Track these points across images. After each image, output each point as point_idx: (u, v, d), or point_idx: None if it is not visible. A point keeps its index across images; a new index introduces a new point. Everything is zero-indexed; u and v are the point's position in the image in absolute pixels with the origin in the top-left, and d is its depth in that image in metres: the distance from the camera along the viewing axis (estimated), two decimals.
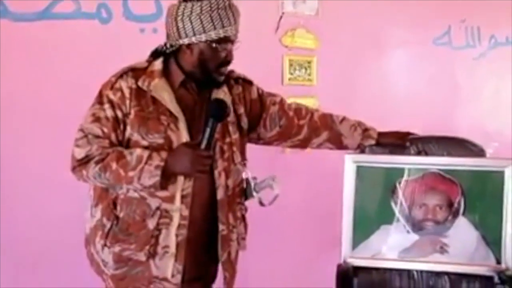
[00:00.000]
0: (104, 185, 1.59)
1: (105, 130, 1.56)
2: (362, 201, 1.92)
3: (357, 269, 1.92)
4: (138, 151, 1.53)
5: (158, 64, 1.60)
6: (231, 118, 1.66)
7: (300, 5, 2.65)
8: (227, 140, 1.64)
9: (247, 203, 1.76)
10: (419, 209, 1.91)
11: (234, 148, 1.66)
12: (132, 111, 1.55)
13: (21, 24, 2.15)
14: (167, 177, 1.53)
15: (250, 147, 1.78)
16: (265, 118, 1.78)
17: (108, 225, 1.58)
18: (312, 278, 2.52)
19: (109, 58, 2.01)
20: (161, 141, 1.55)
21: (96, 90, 1.61)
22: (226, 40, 1.56)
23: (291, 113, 1.81)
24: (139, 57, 1.65)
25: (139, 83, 1.57)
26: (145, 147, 1.54)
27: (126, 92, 1.56)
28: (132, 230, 1.56)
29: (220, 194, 1.62)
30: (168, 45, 1.61)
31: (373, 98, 2.78)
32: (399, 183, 1.91)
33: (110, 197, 1.60)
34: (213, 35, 1.54)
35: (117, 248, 1.58)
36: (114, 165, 1.52)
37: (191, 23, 1.53)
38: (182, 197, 1.56)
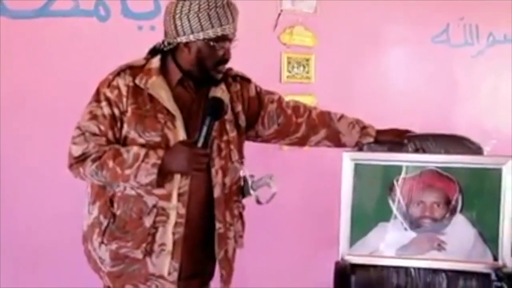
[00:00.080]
0: (101, 183, 1.59)
1: (102, 127, 1.55)
2: (360, 199, 1.93)
3: (355, 267, 1.93)
4: (135, 149, 1.53)
5: (155, 61, 1.60)
6: (228, 116, 1.66)
7: (298, 3, 2.65)
8: (225, 138, 1.64)
9: (244, 201, 1.76)
10: (416, 206, 1.92)
11: (232, 146, 1.66)
12: (129, 109, 1.55)
13: (19, 21, 2.15)
14: (163, 175, 1.53)
15: (248, 145, 1.78)
16: (263, 116, 1.78)
17: (105, 223, 1.58)
18: (310, 275, 2.53)
19: (107, 55, 2.00)
20: (158, 139, 1.55)
21: (94, 87, 1.61)
22: (224, 39, 1.55)
23: (289, 111, 1.81)
24: (137, 54, 1.64)
25: (136, 81, 1.57)
26: (142, 145, 1.54)
27: (123, 90, 1.56)
28: (129, 227, 1.57)
29: (217, 192, 1.61)
30: (166, 43, 1.60)
31: (371, 95, 2.79)
32: (397, 180, 1.92)
33: (108, 195, 1.60)
34: (211, 33, 1.53)
35: (114, 246, 1.58)
36: (110, 163, 1.52)
37: (189, 21, 1.53)
38: (179, 195, 1.56)
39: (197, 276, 1.70)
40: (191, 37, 1.54)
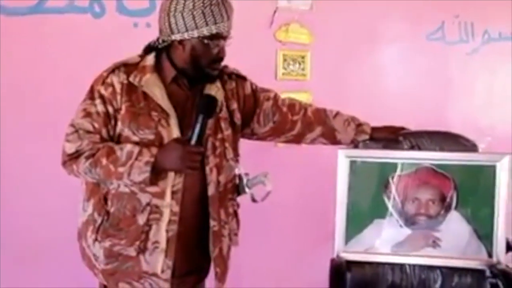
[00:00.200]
0: (94, 180, 1.59)
1: (96, 125, 1.55)
2: (355, 196, 1.93)
3: (350, 263, 1.93)
4: (128, 146, 1.52)
5: (150, 59, 1.59)
6: (223, 114, 1.65)
7: (294, 0, 2.65)
8: (219, 136, 1.64)
9: (239, 199, 1.76)
10: (411, 203, 1.93)
11: (227, 144, 1.65)
12: (123, 107, 1.55)
13: (14, 18, 2.14)
14: (157, 173, 1.52)
15: (243, 142, 1.78)
16: (258, 114, 1.78)
17: (99, 220, 1.58)
18: (306, 273, 2.53)
19: (102, 52, 1.99)
20: (151, 137, 1.54)
21: (89, 84, 1.60)
22: (219, 37, 1.55)
23: (284, 109, 1.81)
24: (133, 51, 1.64)
25: (131, 79, 1.56)
26: (136, 143, 1.53)
27: (118, 87, 1.55)
28: (123, 225, 1.56)
29: (211, 190, 1.61)
30: (160, 41, 1.60)
31: (367, 93, 2.79)
32: (392, 177, 1.93)
33: (102, 192, 1.60)
34: (205, 31, 1.52)
35: (107, 243, 1.58)
36: (104, 161, 1.52)
37: (183, 19, 1.52)
38: (173, 193, 1.56)
39: (192, 274, 1.69)
40: (186, 35, 1.54)
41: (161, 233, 1.56)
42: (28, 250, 2.19)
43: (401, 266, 1.95)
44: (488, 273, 1.89)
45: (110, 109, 1.55)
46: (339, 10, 2.69)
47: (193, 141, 1.51)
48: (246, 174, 1.72)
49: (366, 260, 1.95)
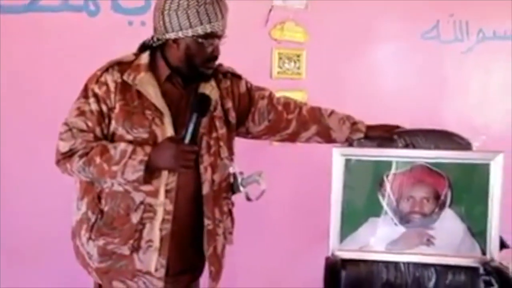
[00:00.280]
0: (88, 179, 1.59)
1: (90, 124, 1.55)
2: (350, 194, 1.94)
3: (345, 262, 1.94)
4: (122, 145, 1.52)
5: (144, 57, 1.59)
6: (218, 112, 1.65)
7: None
8: (214, 135, 1.64)
9: (234, 197, 1.76)
10: (406, 201, 1.93)
11: (221, 143, 1.65)
12: (117, 105, 1.54)
13: (8, 16, 2.13)
14: (151, 172, 1.52)
15: (237, 140, 1.78)
16: (253, 113, 1.78)
17: (93, 219, 1.58)
18: (300, 271, 2.54)
19: (97, 51, 1.99)
20: (145, 135, 1.54)
21: (84, 83, 1.60)
22: (213, 36, 1.54)
23: (279, 107, 1.81)
24: (128, 50, 1.63)
25: (125, 77, 1.56)
26: (130, 142, 1.53)
27: (111, 86, 1.55)
28: (116, 224, 1.56)
29: (205, 189, 1.61)
30: (155, 39, 1.60)
31: (362, 91, 2.79)
32: (387, 176, 1.93)
33: (95, 191, 1.59)
34: (199, 30, 1.52)
35: (101, 242, 1.58)
36: (98, 159, 1.51)
37: (178, 17, 1.52)
38: (166, 191, 1.56)
39: (186, 273, 1.69)
40: (180, 34, 1.53)
41: (155, 231, 1.56)
42: (27, 250, 2.19)
43: (396, 264, 1.96)
44: (481, 270, 1.90)
45: (104, 108, 1.55)
46: (334, 9, 2.69)
47: (187, 140, 1.51)
48: (241, 173, 1.72)
49: (361, 258, 1.96)
